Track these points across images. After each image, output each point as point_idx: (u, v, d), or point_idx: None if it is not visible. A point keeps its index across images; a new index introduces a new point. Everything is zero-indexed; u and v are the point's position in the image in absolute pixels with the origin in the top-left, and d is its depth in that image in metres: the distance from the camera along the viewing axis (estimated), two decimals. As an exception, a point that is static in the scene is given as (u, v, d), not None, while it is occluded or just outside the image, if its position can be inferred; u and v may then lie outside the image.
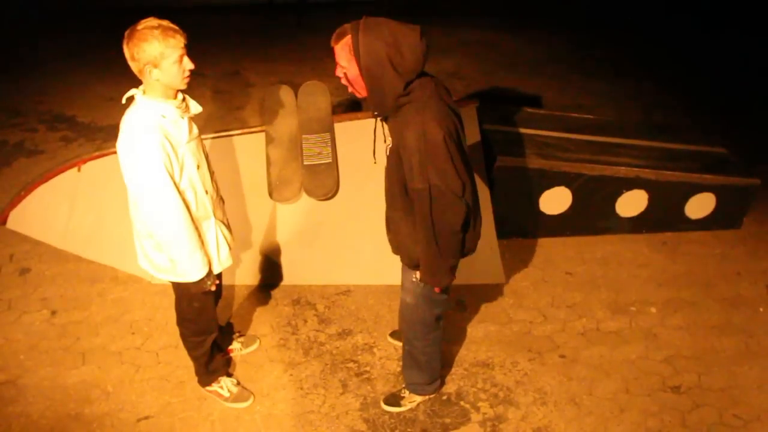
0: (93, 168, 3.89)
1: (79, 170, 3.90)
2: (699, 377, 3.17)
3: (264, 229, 3.77)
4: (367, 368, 3.19)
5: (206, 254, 2.51)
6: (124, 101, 2.35)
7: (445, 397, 3.03)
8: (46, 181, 3.96)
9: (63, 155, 4.95)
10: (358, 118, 3.88)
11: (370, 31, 2.06)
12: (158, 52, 2.18)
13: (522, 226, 4.12)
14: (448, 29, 8.20)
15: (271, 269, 3.73)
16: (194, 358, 2.91)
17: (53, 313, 3.49)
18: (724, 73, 6.95)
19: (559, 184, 3.98)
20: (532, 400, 3.02)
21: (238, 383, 3.03)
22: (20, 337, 3.32)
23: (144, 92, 2.32)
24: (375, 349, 3.30)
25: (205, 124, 5.43)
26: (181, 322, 2.81)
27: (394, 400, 2.99)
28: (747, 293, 3.76)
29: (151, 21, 2.22)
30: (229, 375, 3.06)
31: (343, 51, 2.14)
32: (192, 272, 2.47)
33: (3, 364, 3.16)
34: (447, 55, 7.20)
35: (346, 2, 9.29)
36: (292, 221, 3.79)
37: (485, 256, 3.81)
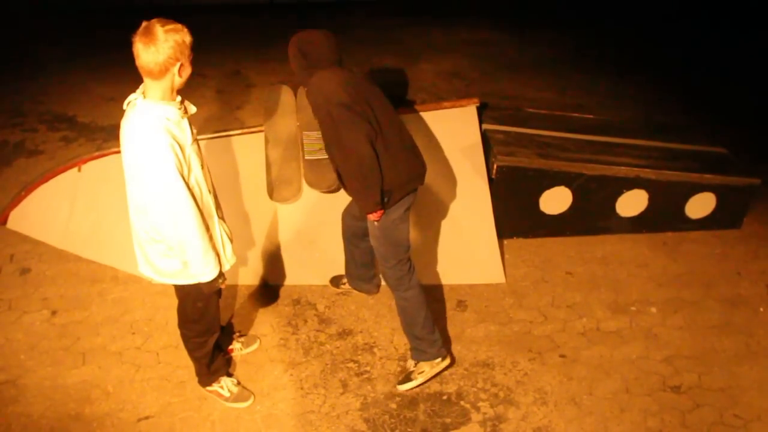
0: (93, 168, 3.89)
1: (79, 170, 3.90)
2: (699, 377, 3.17)
3: (264, 229, 3.78)
4: (368, 368, 3.19)
5: (216, 252, 2.51)
6: (125, 107, 2.34)
7: (445, 397, 3.03)
8: (46, 181, 3.96)
9: (63, 155, 4.95)
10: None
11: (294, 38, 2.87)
12: (188, 50, 2.24)
13: (522, 226, 4.12)
14: (448, 29, 8.20)
15: (271, 269, 3.74)
16: (196, 359, 2.91)
17: (53, 313, 3.49)
18: (725, 72, 6.95)
19: (559, 184, 3.98)
20: (532, 399, 3.02)
21: (239, 383, 3.03)
22: (20, 337, 3.33)
23: (144, 96, 2.31)
24: (375, 349, 3.30)
25: (205, 124, 5.44)
26: (183, 323, 2.81)
27: (405, 378, 3.09)
28: (747, 293, 3.76)
29: (168, 20, 2.23)
30: (230, 375, 3.06)
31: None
32: (206, 272, 2.47)
33: (3, 364, 3.16)
34: (447, 55, 7.20)
35: (346, 2, 9.30)
36: (292, 221, 3.79)
37: (485, 256, 3.82)
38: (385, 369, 3.18)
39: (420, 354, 3.07)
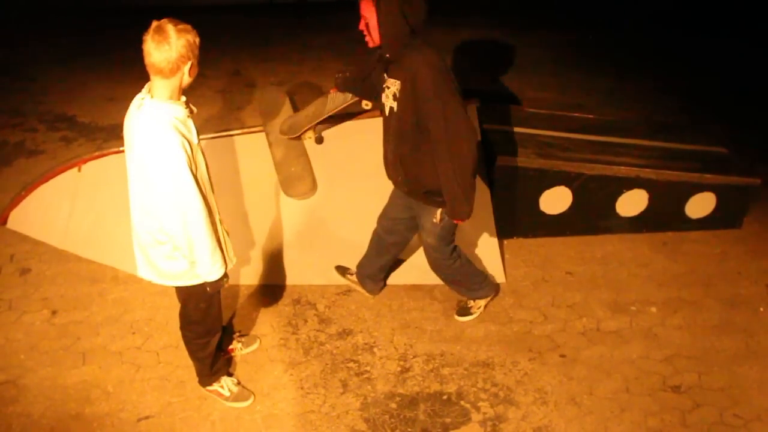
0: (93, 168, 3.89)
1: (79, 170, 3.90)
2: (699, 377, 3.17)
3: (264, 229, 3.78)
4: (368, 368, 3.19)
5: (222, 251, 2.52)
6: (137, 109, 2.32)
7: (445, 397, 3.03)
8: (46, 181, 3.96)
9: (63, 155, 4.95)
10: (358, 118, 3.89)
11: None
12: (198, 50, 2.28)
13: (522, 226, 4.12)
14: (448, 29, 8.19)
15: (271, 269, 3.74)
16: (198, 360, 2.91)
17: (54, 313, 3.49)
18: (725, 72, 6.95)
19: (559, 184, 3.98)
20: (532, 399, 3.03)
21: (239, 383, 3.03)
22: (21, 337, 3.33)
23: (152, 96, 2.32)
24: (375, 349, 3.30)
25: (205, 124, 5.43)
26: (186, 325, 2.81)
27: (464, 311, 3.46)
28: (747, 293, 3.76)
29: (178, 20, 2.25)
30: (230, 375, 3.06)
31: (367, 4, 2.58)
32: (213, 271, 2.48)
33: (3, 364, 3.16)
34: (447, 55, 7.20)
35: (346, 2, 9.30)
36: (292, 221, 3.79)
37: (485, 256, 3.82)
38: (385, 369, 3.18)
39: (475, 293, 3.40)
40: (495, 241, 3.87)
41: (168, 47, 2.20)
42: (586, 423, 2.91)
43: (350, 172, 3.82)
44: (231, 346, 3.23)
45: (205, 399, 2.99)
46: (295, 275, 3.73)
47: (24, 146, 5.16)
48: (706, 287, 3.79)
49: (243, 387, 3.02)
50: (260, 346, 3.29)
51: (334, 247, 3.77)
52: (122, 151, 3.82)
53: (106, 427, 2.85)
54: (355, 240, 3.76)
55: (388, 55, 2.60)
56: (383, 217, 3.31)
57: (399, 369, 3.18)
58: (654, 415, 2.95)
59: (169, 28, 2.20)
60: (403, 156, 2.80)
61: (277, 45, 7.51)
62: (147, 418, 2.90)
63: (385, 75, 2.74)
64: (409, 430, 2.87)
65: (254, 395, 3.00)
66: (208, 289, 2.56)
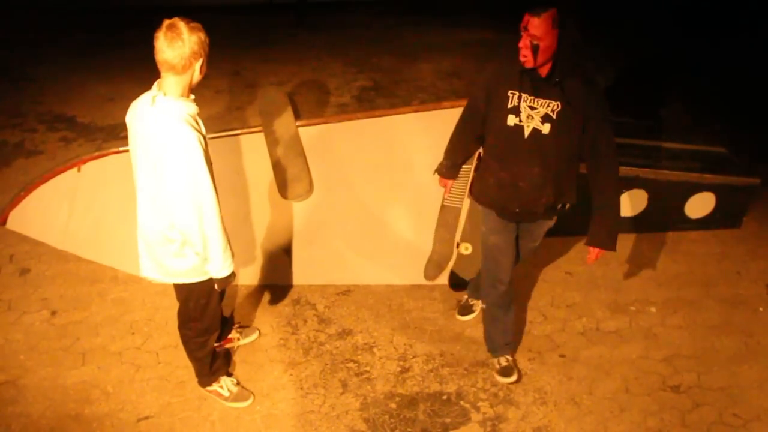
0: (93, 168, 3.88)
1: (78, 170, 3.90)
2: (699, 377, 3.17)
3: (264, 229, 3.77)
4: (367, 368, 3.19)
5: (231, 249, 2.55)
6: (150, 105, 2.33)
7: (445, 397, 3.03)
8: (45, 181, 3.96)
9: (63, 155, 4.95)
10: (358, 118, 3.88)
11: (568, 11, 2.55)
12: (208, 48, 2.32)
13: (522, 226, 4.11)
14: (448, 29, 8.20)
15: (271, 269, 3.73)
16: (197, 359, 2.91)
17: (53, 313, 3.49)
18: (725, 72, 6.95)
19: (558, 184, 3.97)
20: (532, 399, 3.03)
21: (238, 383, 3.03)
22: (20, 338, 3.32)
23: (164, 94, 2.33)
24: (375, 349, 3.30)
25: (205, 124, 5.42)
26: (185, 323, 2.81)
27: (465, 309, 3.53)
28: (747, 293, 3.76)
29: (189, 19, 2.31)
30: (229, 375, 3.06)
31: (545, 22, 2.50)
32: (225, 266, 2.51)
33: (3, 365, 3.16)
34: (447, 55, 7.20)
35: (345, 2, 9.30)
36: (293, 221, 3.79)
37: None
38: (385, 369, 3.18)
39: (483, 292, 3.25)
40: (495, 241, 3.87)
41: (181, 44, 2.23)
42: (585, 423, 2.91)
43: (350, 172, 3.81)
44: (230, 336, 3.23)
45: (205, 399, 2.99)
46: (295, 275, 3.73)
47: (23, 146, 5.16)
48: (706, 287, 3.79)
49: (242, 387, 3.03)
50: (260, 347, 3.29)
51: (334, 247, 3.76)
52: (122, 152, 3.85)
53: (105, 428, 2.85)
54: (355, 240, 3.76)
55: (557, 78, 2.56)
56: (505, 274, 3.00)
57: (399, 369, 3.18)
58: (653, 414, 2.95)
59: (182, 25, 2.24)
60: (560, 173, 2.72)
61: (277, 45, 7.51)
62: (146, 418, 2.90)
63: (526, 96, 2.63)
64: (409, 430, 2.87)
65: (254, 395, 3.00)
66: (216, 286, 2.57)
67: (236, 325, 3.31)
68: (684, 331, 3.46)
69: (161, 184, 2.35)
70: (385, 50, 7.29)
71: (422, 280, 3.71)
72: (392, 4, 9.26)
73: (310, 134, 3.85)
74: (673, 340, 3.40)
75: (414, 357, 3.26)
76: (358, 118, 3.87)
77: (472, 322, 3.48)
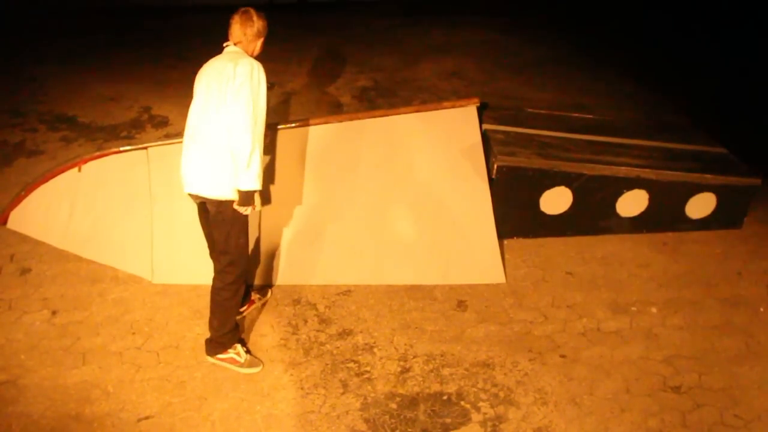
0: (93, 168, 3.89)
1: (79, 170, 3.90)
2: (699, 377, 3.16)
3: (264, 229, 3.78)
4: (368, 368, 3.19)
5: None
6: (228, 52, 2.97)
7: (445, 397, 3.03)
8: (46, 181, 3.96)
9: (63, 155, 4.95)
10: (359, 118, 3.89)
11: None
12: (265, 31, 3.05)
13: (522, 226, 4.12)
14: (448, 29, 8.20)
15: (271, 269, 3.74)
16: (225, 310, 3.06)
17: (54, 313, 3.49)
18: (725, 72, 6.96)
19: (559, 184, 3.98)
20: (532, 400, 3.02)
21: (248, 351, 3.16)
22: (21, 337, 3.32)
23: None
24: (375, 349, 3.30)
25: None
26: (224, 269, 3.00)
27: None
28: (747, 293, 3.75)
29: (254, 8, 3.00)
30: (242, 342, 3.21)
31: None
32: (258, 179, 2.84)
33: (4, 364, 3.16)
34: (447, 55, 7.20)
35: (346, 2, 9.30)
36: (293, 221, 3.79)
37: (485, 256, 3.82)
38: (385, 369, 3.18)
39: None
40: (495, 241, 3.87)
41: (250, 24, 2.96)
42: (586, 423, 2.91)
43: (350, 172, 3.81)
44: (251, 298, 3.50)
45: (205, 399, 2.99)
46: (294, 275, 3.73)
47: (24, 146, 5.16)
48: (707, 287, 3.79)
49: (253, 355, 3.16)
50: (260, 346, 3.30)
51: (334, 247, 3.76)
52: (123, 151, 3.87)
53: (106, 427, 2.85)
54: (354, 240, 3.77)
55: None
56: None
57: (399, 369, 3.18)
58: (654, 415, 2.95)
59: (252, 12, 2.99)
60: None
61: (277, 45, 7.50)
62: (147, 418, 2.90)
63: None
64: (410, 430, 2.87)
65: (263, 363, 3.14)
66: (237, 204, 2.86)
67: (253, 289, 3.57)
68: (685, 331, 3.46)
69: (231, 109, 2.77)
70: (385, 50, 7.29)
71: (422, 281, 3.71)
72: (392, 4, 9.26)
73: (310, 134, 3.85)
74: (673, 340, 3.40)
75: (414, 357, 3.25)
76: (359, 118, 3.88)
77: (472, 323, 3.48)
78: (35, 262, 3.84)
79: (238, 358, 3.11)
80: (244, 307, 3.44)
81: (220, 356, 3.11)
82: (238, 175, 2.81)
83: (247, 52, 2.96)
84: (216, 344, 3.11)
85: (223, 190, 2.87)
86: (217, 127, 2.83)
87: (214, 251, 3.13)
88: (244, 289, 3.20)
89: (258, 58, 2.98)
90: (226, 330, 3.09)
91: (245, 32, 2.95)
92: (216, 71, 2.88)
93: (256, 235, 3.76)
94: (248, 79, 2.78)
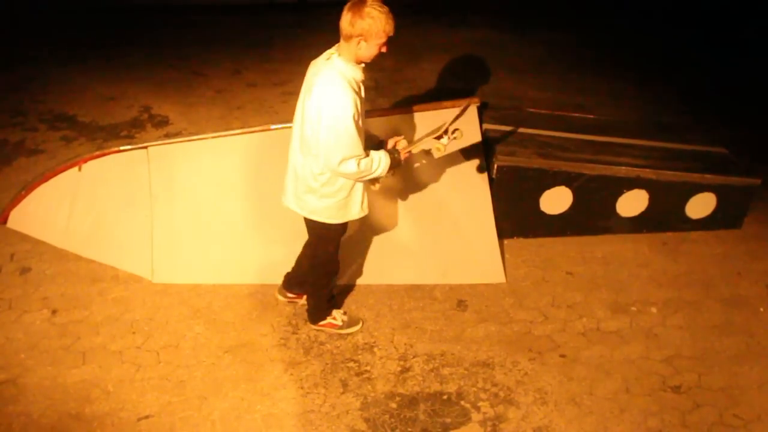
0: (94, 167, 3.89)
1: (79, 170, 3.90)
2: (699, 377, 3.17)
3: (264, 228, 3.78)
4: (368, 368, 3.19)
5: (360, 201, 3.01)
6: (326, 60, 2.78)
7: (445, 397, 3.03)
8: (46, 180, 3.96)
9: (63, 154, 4.94)
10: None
11: None
12: (376, 30, 2.64)
13: (522, 226, 4.12)
14: (448, 29, 8.20)
15: (271, 269, 3.73)
16: (317, 297, 3.29)
17: (54, 312, 3.49)
18: (725, 72, 6.96)
19: (559, 184, 3.98)
20: (532, 399, 3.03)
21: (345, 312, 3.40)
22: (21, 337, 3.32)
23: (339, 54, 2.75)
24: (375, 349, 3.30)
25: (205, 124, 5.44)
26: (314, 267, 3.22)
27: None
28: (747, 293, 3.76)
29: (378, 6, 2.65)
30: (338, 307, 3.44)
31: None
32: (376, 172, 2.85)
33: (4, 364, 3.16)
34: (447, 55, 7.19)
35: (346, 2, 9.29)
36: (292, 221, 3.79)
37: (485, 256, 3.82)
38: (386, 369, 3.18)
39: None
40: (495, 241, 3.87)
41: (351, 18, 2.63)
42: (586, 423, 2.91)
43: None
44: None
45: (206, 398, 2.99)
46: (295, 275, 3.73)
47: (24, 145, 5.16)
48: (707, 287, 3.79)
49: (350, 315, 3.40)
50: (260, 346, 3.30)
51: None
52: (123, 151, 3.87)
53: (106, 427, 2.85)
54: (354, 240, 3.76)
55: None
56: None
57: (399, 369, 3.18)
58: (654, 415, 2.95)
59: (362, 7, 2.63)
60: None
61: (277, 45, 7.50)
62: (147, 417, 2.90)
63: None
64: (409, 429, 2.87)
65: (362, 321, 3.40)
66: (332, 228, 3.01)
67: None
68: (685, 331, 3.46)
69: (314, 130, 2.73)
70: (385, 50, 7.28)
71: (422, 280, 3.71)
72: (392, 4, 9.25)
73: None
74: (673, 340, 3.40)
75: (414, 357, 3.26)
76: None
77: (472, 322, 3.48)
78: (35, 262, 3.84)
79: (336, 322, 3.35)
80: (323, 323, 3.41)
81: (321, 323, 3.36)
82: None
83: (350, 54, 2.73)
84: (318, 312, 3.35)
85: None
86: None
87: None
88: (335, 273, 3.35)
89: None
90: (321, 306, 3.33)
91: (346, 27, 2.66)
92: (310, 87, 2.79)
93: (257, 234, 3.76)
94: (337, 109, 2.66)
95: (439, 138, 3.05)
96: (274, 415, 2.92)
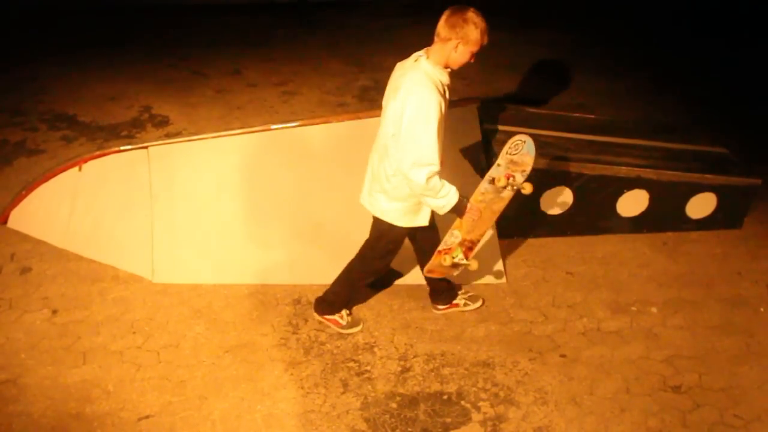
0: (94, 167, 3.89)
1: (80, 169, 3.90)
2: (700, 377, 3.17)
3: (265, 228, 3.78)
4: (368, 368, 3.19)
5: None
6: (414, 61, 2.81)
7: (445, 397, 3.03)
8: (47, 180, 3.96)
9: (64, 154, 4.95)
10: (359, 118, 3.89)
11: None
12: (475, 38, 2.73)
13: (523, 226, 4.11)
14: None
15: (271, 269, 3.74)
16: (343, 289, 3.29)
17: (54, 312, 3.49)
18: (725, 72, 6.95)
19: (560, 184, 3.98)
20: (532, 399, 3.03)
21: (350, 313, 3.41)
22: (21, 336, 3.33)
23: (428, 57, 2.78)
24: (375, 349, 3.30)
25: (205, 124, 5.44)
26: (363, 258, 3.20)
27: None
28: (748, 293, 3.76)
29: (480, 15, 2.78)
30: (348, 308, 3.44)
31: None
32: (440, 207, 2.89)
33: (4, 363, 3.16)
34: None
35: (346, 2, 9.30)
36: (293, 221, 3.79)
37: (486, 256, 3.81)
38: (386, 369, 3.18)
39: None
40: (495, 241, 3.87)
41: (452, 22, 2.69)
42: (586, 423, 2.91)
43: (351, 172, 3.81)
44: (455, 302, 3.54)
45: (206, 398, 2.99)
46: (295, 275, 3.73)
47: (24, 145, 5.16)
48: (707, 287, 3.79)
49: (353, 315, 3.43)
50: (260, 346, 3.30)
51: (335, 247, 3.76)
52: (123, 151, 3.87)
53: (106, 427, 2.85)
54: (355, 240, 3.76)
55: None
56: None
57: (399, 369, 3.18)
58: (654, 415, 2.95)
59: (467, 13, 2.72)
60: None
61: (277, 45, 7.50)
62: (147, 417, 2.90)
63: None
64: (410, 429, 2.87)
65: (363, 323, 3.40)
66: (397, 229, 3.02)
67: (460, 291, 3.63)
68: (685, 331, 3.46)
69: (395, 132, 2.74)
70: (386, 50, 7.28)
71: (422, 280, 3.71)
72: (392, 3, 9.26)
73: (310, 134, 3.85)
74: (674, 340, 3.40)
75: (415, 357, 3.26)
76: (359, 118, 3.87)
77: (472, 322, 3.48)
78: (36, 261, 3.84)
79: (341, 321, 3.36)
80: (445, 307, 3.50)
81: (327, 316, 3.37)
82: None
83: (440, 57, 2.77)
84: (329, 304, 3.35)
85: None
86: None
87: None
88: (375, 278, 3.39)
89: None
90: (340, 301, 3.34)
91: (442, 29, 2.73)
92: (396, 89, 2.82)
93: (257, 234, 3.76)
94: (419, 112, 2.69)
95: (504, 187, 3.11)
96: (274, 415, 2.93)
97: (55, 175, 3.95)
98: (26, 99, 5.96)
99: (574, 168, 3.95)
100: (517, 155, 3.08)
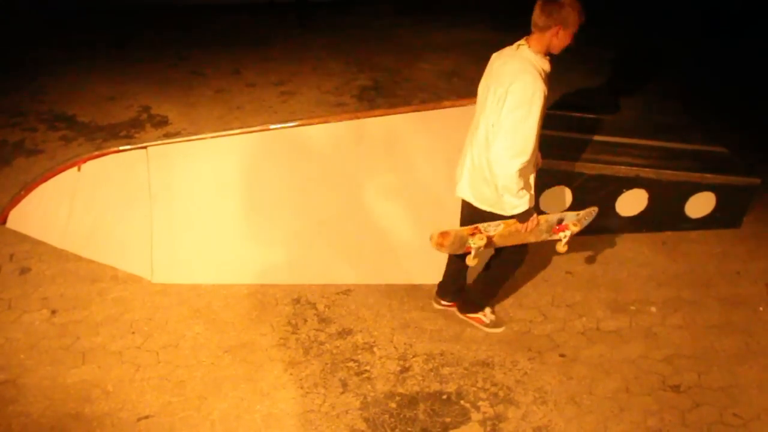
0: (93, 167, 3.88)
1: (79, 170, 3.90)
2: (699, 376, 3.17)
3: (265, 228, 3.77)
4: (367, 367, 3.19)
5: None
6: (515, 50, 2.84)
7: (445, 397, 3.03)
8: (46, 180, 3.96)
9: (63, 154, 4.95)
10: (359, 118, 3.88)
11: None
12: (573, 19, 2.73)
13: (522, 226, 4.11)
14: (448, 29, 8.20)
15: (271, 269, 3.73)
16: (488, 288, 3.33)
17: (53, 312, 3.49)
18: (725, 72, 6.96)
19: (559, 183, 3.98)
20: (532, 399, 3.03)
21: (493, 311, 3.44)
22: (20, 337, 3.32)
23: (529, 46, 2.79)
24: (375, 349, 3.30)
25: (204, 124, 5.44)
26: (505, 262, 3.23)
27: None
28: (747, 292, 3.76)
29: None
30: (491, 306, 3.46)
31: None
32: (516, 207, 2.85)
33: (3, 364, 3.16)
34: (447, 55, 7.20)
35: (346, 2, 9.30)
36: (293, 221, 3.79)
37: (486, 255, 3.81)
38: (385, 368, 3.18)
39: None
40: (495, 240, 3.87)
41: (551, 10, 2.71)
42: (585, 422, 2.91)
43: (350, 172, 3.81)
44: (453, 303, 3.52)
45: (205, 398, 2.99)
46: (294, 275, 3.73)
47: (23, 145, 5.16)
48: (706, 287, 3.79)
49: (497, 317, 3.44)
50: (260, 346, 3.29)
51: (334, 247, 3.76)
52: (122, 151, 3.86)
53: (105, 427, 2.85)
54: (355, 240, 3.76)
55: None
56: None
57: (399, 368, 3.18)
58: (654, 414, 2.95)
59: (564, 2, 2.69)
60: None
61: (277, 45, 7.51)
62: (147, 417, 2.90)
63: None
64: (409, 429, 2.87)
65: (504, 326, 3.41)
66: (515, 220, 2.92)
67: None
68: (684, 330, 3.46)
69: (496, 120, 2.71)
70: (385, 50, 7.29)
71: (422, 280, 3.71)
72: (392, 3, 9.26)
73: (310, 134, 3.85)
74: (673, 339, 3.40)
75: (414, 356, 3.26)
76: (359, 118, 3.87)
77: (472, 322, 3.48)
78: (35, 262, 3.84)
79: (485, 319, 3.39)
80: (447, 303, 3.50)
81: (471, 315, 3.40)
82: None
83: (541, 46, 2.82)
84: (473, 304, 3.38)
85: None
86: None
87: None
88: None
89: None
90: (483, 299, 3.37)
91: (540, 17, 2.77)
92: (497, 76, 2.83)
93: (257, 234, 3.76)
94: (522, 98, 2.69)
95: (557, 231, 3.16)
96: (274, 415, 2.92)
97: (54, 175, 3.95)
98: (25, 99, 5.96)
99: (574, 167, 3.96)
100: (580, 223, 3.20)
